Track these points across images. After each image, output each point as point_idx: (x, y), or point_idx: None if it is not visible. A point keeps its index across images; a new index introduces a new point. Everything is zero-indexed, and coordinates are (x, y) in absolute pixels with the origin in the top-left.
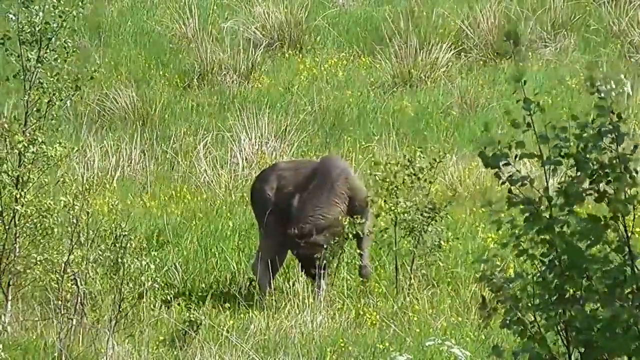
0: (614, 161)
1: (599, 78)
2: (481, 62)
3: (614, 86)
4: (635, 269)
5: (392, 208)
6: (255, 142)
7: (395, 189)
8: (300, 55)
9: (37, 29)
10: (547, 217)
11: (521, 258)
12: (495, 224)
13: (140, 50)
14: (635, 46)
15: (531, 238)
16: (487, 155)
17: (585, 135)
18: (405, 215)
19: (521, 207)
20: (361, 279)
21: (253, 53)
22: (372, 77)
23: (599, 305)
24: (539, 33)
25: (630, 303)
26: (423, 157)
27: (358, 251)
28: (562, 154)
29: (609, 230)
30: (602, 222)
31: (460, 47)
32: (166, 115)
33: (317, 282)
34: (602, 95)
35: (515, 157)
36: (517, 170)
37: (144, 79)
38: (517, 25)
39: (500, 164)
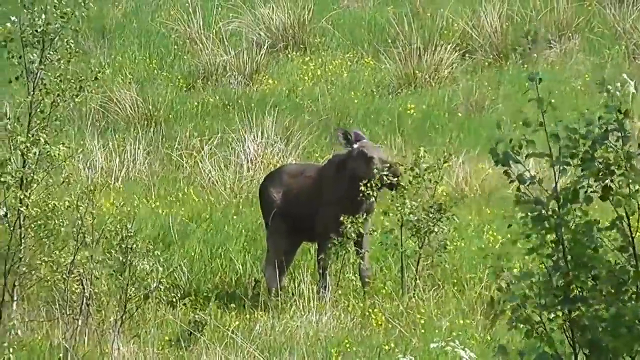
0: (620, 159)
1: (606, 78)
2: (486, 64)
3: (619, 86)
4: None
5: (399, 209)
6: (260, 143)
7: (402, 189)
8: (305, 57)
9: (39, 30)
10: (555, 217)
11: (529, 257)
12: (507, 220)
13: (144, 51)
14: None
15: (539, 237)
16: (499, 153)
17: (592, 134)
18: (412, 215)
19: (529, 206)
20: (365, 280)
21: (257, 54)
22: (377, 78)
23: (603, 305)
24: (543, 34)
25: (634, 303)
26: (428, 157)
27: (362, 251)
28: (570, 152)
29: (614, 231)
30: (608, 222)
31: (465, 49)
32: (170, 116)
33: (322, 282)
34: (609, 94)
35: (527, 156)
36: (527, 170)
37: (149, 80)
38: (523, 27)
39: (511, 162)
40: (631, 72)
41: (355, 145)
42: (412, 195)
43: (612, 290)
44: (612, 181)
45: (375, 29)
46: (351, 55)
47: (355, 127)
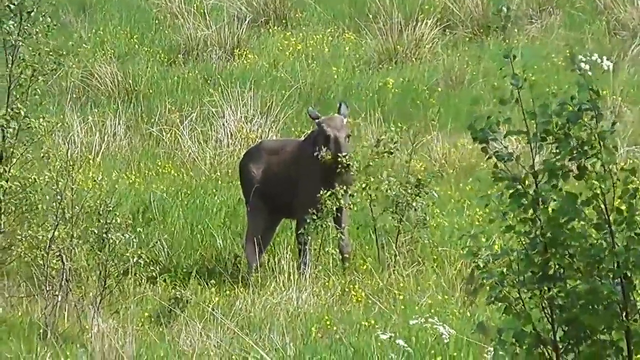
0: (593, 137)
1: (581, 55)
2: (467, 39)
3: (598, 61)
4: (615, 246)
5: (365, 188)
6: (240, 119)
7: (366, 167)
8: (286, 32)
9: (15, 3)
10: (531, 193)
11: (507, 235)
12: (484, 200)
13: (125, 26)
14: (621, 23)
15: (517, 214)
16: (477, 129)
17: (565, 112)
18: (389, 192)
19: (506, 183)
20: (344, 255)
21: (238, 29)
22: (358, 53)
23: (580, 282)
24: (525, 10)
25: (610, 280)
26: (399, 136)
27: (342, 226)
28: (544, 130)
29: (591, 207)
30: (584, 199)
31: (446, 24)
32: (151, 91)
33: (302, 258)
34: (582, 72)
35: (506, 135)
36: (505, 147)
37: (129, 55)
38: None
39: (489, 139)
40: (611, 47)
41: (322, 119)
42: (376, 172)
43: (588, 268)
44: (586, 160)
45: (357, 4)
46: (332, 30)
47: (336, 103)
